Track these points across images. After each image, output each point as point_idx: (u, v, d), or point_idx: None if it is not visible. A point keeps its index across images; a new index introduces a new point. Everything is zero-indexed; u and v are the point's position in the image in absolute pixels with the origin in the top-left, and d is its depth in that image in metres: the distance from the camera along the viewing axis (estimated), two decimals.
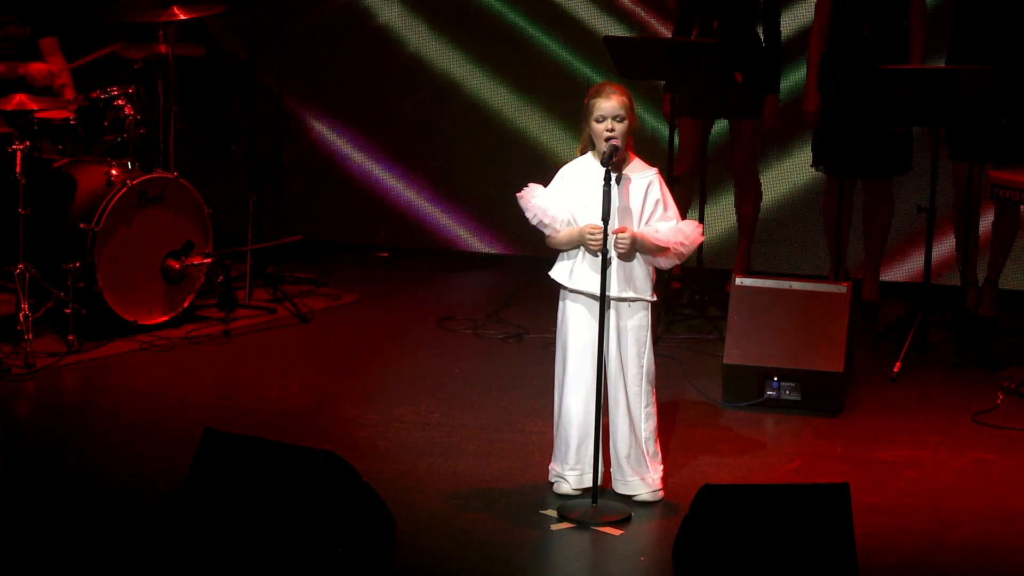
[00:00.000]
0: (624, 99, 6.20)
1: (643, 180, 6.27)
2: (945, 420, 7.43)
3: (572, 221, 6.24)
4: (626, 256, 6.18)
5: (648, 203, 6.24)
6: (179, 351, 8.23)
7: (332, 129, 10.36)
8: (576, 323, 6.30)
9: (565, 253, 6.31)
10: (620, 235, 6.13)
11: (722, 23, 8.80)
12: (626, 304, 6.29)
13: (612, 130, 6.17)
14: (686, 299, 8.87)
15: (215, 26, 10.02)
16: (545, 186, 6.32)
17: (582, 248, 6.23)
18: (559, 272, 6.33)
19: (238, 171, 9.57)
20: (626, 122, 6.20)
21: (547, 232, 6.27)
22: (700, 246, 6.72)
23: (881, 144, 8.76)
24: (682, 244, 6.21)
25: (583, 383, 6.27)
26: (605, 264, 6.13)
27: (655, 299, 6.36)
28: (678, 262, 6.33)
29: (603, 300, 6.15)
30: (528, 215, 6.27)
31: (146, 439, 7.00)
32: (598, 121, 6.20)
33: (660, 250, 6.21)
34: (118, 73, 9.00)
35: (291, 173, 10.07)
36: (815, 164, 9.04)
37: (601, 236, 6.10)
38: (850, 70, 8.56)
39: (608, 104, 6.19)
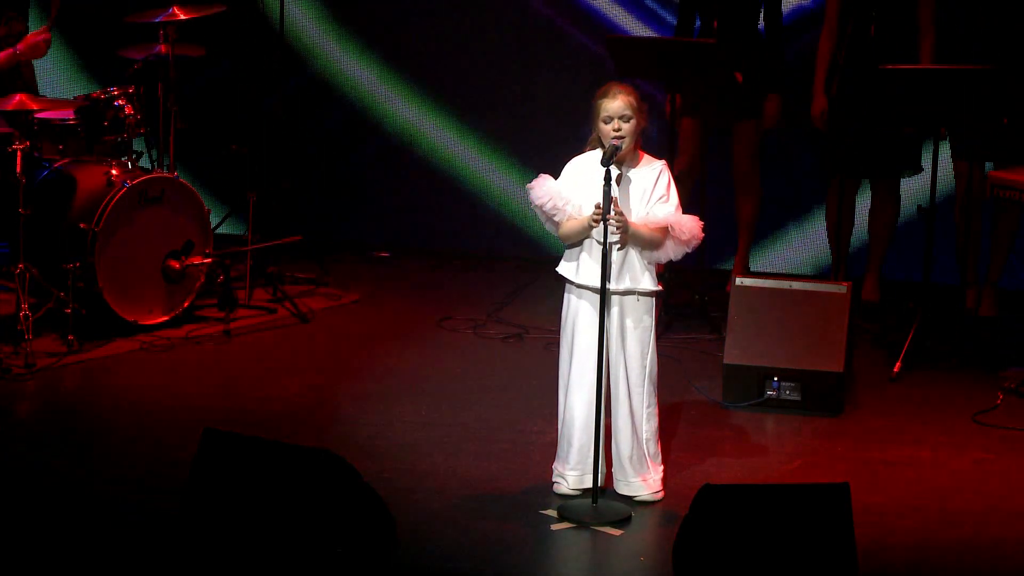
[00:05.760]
0: (630, 99, 6.20)
1: (649, 172, 6.27)
2: (945, 420, 7.42)
3: (579, 213, 6.24)
4: (621, 240, 6.16)
5: (649, 193, 6.24)
6: (179, 351, 8.23)
7: (333, 126, 10.38)
8: (581, 321, 6.30)
9: (571, 250, 6.31)
10: (617, 216, 6.11)
11: (723, 23, 8.79)
12: (633, 299, 6.28)
13: (619, 130, 6.18)
14: (686, 299, 8.87)
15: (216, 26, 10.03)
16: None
17: (588, 244, 6.24)
18: (565, 268, 6.33)
19: (238, 171, 9.57)
20: (633, 121, 6.19)
21: (557, 218, 6.25)
22: (701, 245, 6.65)
23: (889, 144, 8.76)
24: (680, 232, 6.20)
25: (587, 382, 6.26)
26: (606, 258, 6.13)
27: (661, 288, 6.36)
28: (674, 256, 6.29)
29: (603, 295, 6.15)
30: (540, 201, 6.24)
31: (146, 439, 6.99)
32: (605, 122, 6.20)
33: (654, 242, 6.19)
34: (118, 73, 8.99)
35: (291, 172, 10.07)
36: (823, 169, 8.99)
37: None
38: (851, 71, 8.55)
39: (614, 104, 6.19)
